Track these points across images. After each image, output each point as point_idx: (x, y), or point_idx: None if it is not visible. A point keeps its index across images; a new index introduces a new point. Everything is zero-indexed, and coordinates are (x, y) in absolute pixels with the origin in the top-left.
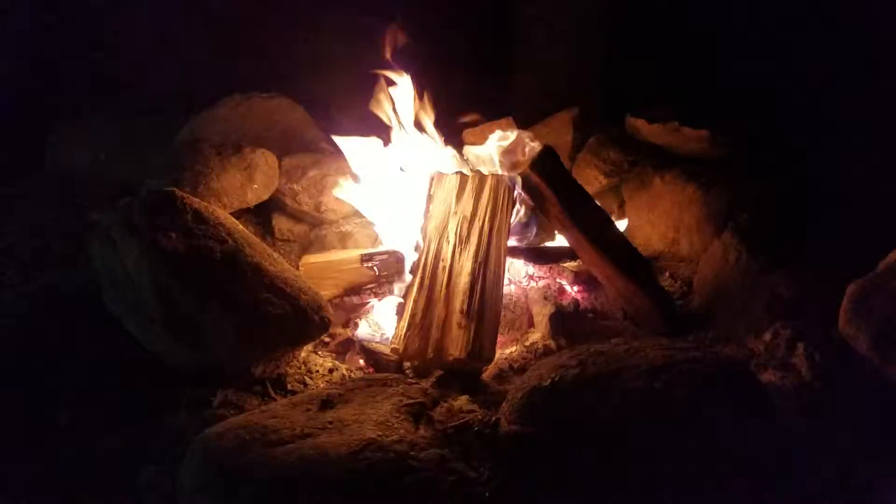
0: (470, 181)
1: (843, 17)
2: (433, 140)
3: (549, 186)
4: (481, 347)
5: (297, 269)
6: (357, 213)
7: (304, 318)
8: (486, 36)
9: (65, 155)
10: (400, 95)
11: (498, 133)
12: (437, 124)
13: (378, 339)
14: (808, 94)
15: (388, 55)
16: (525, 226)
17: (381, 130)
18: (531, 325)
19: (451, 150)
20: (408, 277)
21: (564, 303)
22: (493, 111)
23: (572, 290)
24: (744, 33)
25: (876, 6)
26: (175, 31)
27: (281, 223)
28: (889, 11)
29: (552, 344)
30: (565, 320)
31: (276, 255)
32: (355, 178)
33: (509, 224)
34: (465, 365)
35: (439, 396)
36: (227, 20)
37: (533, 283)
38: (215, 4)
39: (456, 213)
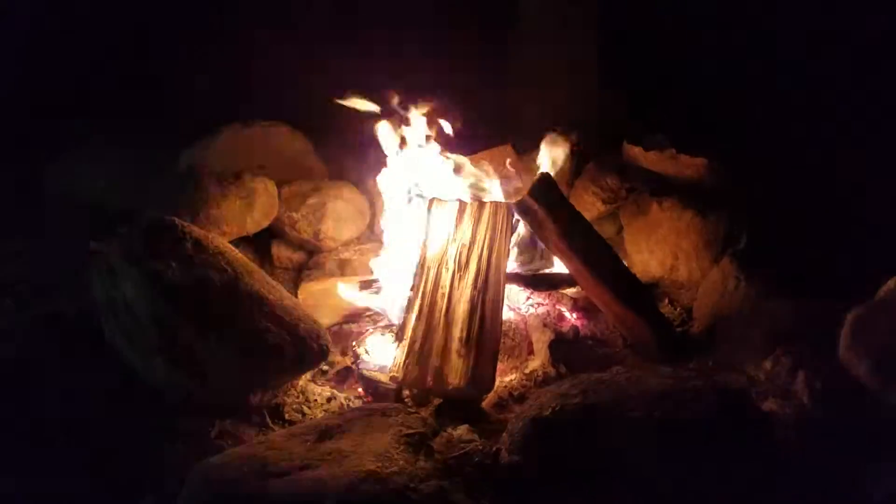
0: (469, 208)
1: (844, 42)
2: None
3: (547, 213)
4: (481, 375)
5: (296, 296)
6: (355, 241)
7: (302, 347)
8: (485, 62)
9: (64, 182)
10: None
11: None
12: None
13: (377, 368)
14: (807, 121)
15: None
16: (524, 252)
17: None
18: (531, 352)
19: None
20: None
21: (564, 330)
22: (491, 138)
23: (572, 317)
24: (743, 61)
25: (876, 32)
26: (176, 58)
27: (280, 251)
28: (887, 34)
29: (552, 371)
30: (565, 347)
31: (275, 283)
32: None
33: (508, 251)
34: (465, 393)
35: (439, 426)
36: (229, 46)
37: (532, 310)
38: (217, 31)
39: (455, 239)
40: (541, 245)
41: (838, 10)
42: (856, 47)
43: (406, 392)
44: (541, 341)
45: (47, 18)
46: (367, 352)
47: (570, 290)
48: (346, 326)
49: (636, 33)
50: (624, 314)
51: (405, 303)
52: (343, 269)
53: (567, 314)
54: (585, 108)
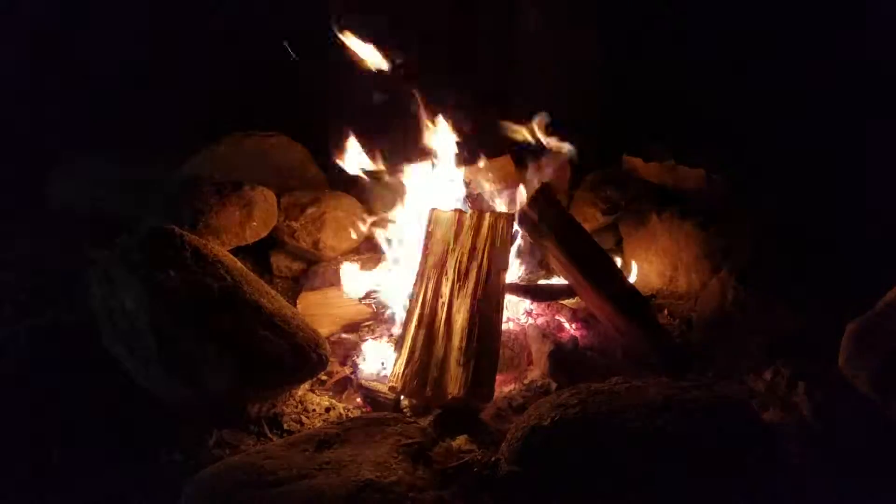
0: (468, 218)
1: (844, 54)
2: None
3: (547, 223)
4: (480, 385)
5: (295, 306)
6: (355, 251)
7: (301, 356)
8: (486, 74)
9: (64, 191)
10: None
11: None
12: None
13: (376, 377)
14: (806, 130)
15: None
16: (524, 262)
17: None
18: (530, 362)
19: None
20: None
21: (563, 340)
22: (492, 148)
23: (571, 328)
24: (741, 71)
25: (876, 47)
26: (175, 69)
27: (279, 260)
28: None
29: (551, 382)
30: (564, 358)
31: (273, 292)
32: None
33: (508, 261)
34: (464, 403)
35: (438, 436)
36: (229, 57)
37: (531, 321)
38: (216, 41)
39: (455, 249)
40: (540, 255)
41: (836, 14)
42: (855, 51)
43: (405, 402)
44: (540, 352)
45: (50, 25)
46: (366, 361)
47: (570, 301)
48: (345, 336)
49: (636, 42)
50: (623, 325)
51: (404, 312)
52: (342, 278)
53: (566, 325)
54: (585, 118)
